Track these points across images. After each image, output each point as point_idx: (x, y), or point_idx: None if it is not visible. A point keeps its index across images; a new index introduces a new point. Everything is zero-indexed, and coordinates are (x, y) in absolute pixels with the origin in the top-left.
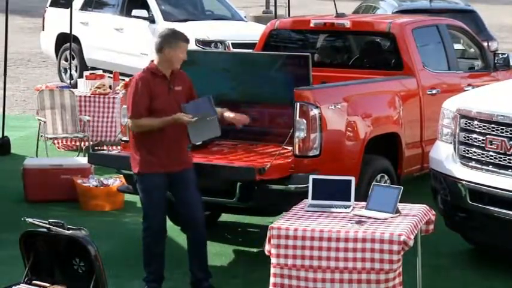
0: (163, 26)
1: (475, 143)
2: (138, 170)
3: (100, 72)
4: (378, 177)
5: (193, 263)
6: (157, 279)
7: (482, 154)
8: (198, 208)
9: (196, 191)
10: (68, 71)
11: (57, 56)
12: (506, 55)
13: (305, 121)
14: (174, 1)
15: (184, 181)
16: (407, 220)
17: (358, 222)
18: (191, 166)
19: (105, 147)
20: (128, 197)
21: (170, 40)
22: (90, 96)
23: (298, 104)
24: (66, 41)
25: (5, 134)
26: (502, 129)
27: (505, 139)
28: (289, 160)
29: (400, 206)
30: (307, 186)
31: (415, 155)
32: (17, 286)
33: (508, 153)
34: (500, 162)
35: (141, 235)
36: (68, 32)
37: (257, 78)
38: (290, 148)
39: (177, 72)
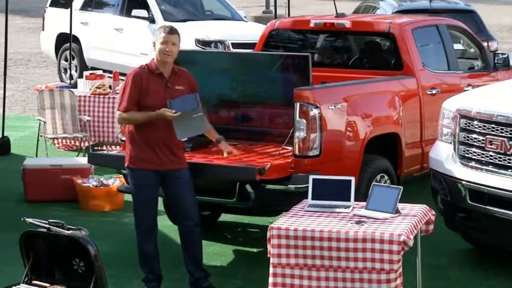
0: None
1: (474, 143)
2: (128, 164)
3: (100, 72)
4: (378, 177)
5: (189, 262)
6: (155, 279)
7: (482, 154)
8: (191, 205)
9: (190, 189)
10: (68, 71)
11: (57, 56)
12: (506, 55)
13: (305, 121)
14: (174, 1)
15: (176, 179)
16: (407, 220)
17: (358, 222)
18: (185, 166)
19: (104, 147)
20: (128, 197)
21: (156, 33)
22: (90, 96)
23: (298, 104)
24: (66, 41)
25: (5, 134)
26: (502, 129)
27: (505, 139)
28: (289, 160)
29: (400, 206)
30: (307, 186)
31: (415, 155)
32: (17, 286)
33: (507, 153)
34: (500, 162)
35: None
36: (68, 32)
37: (257, 78)
38: (290, 148)
39: (179, 72)
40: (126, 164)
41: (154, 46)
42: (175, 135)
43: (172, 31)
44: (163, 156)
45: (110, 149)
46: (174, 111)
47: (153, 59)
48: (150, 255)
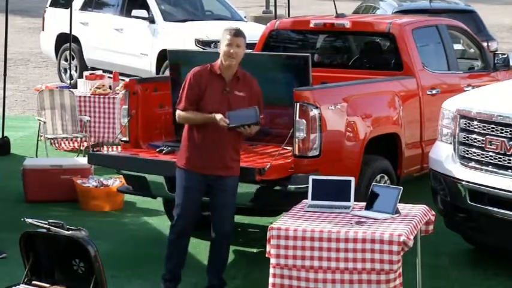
0: (163, 26)
1: (474, 144)
2: (177, 163)
3: (100, 72)
4: (378, 177)
5: (210, 269)
6: (173, 279)
7: (482, 154)
8: (226, 216)
9: (230, 199)
10: (68, 71)
11: (57, 56)
12: (506, 55)
13: (305, 121)
14: (174, 1)
15: (218, 187)
16: (407, 220)
17: (358, 223)
18: (233, 174)
19: (104, 148)
20: (128, 197)
21: (221, 35)
22: (90, 97)
23: (298, 104)
24: (66, 41)
25: (5, 134)
26: (502, 129)
27: (505, 139)
28: (289, 160)
29: (400, 206)
30: (307, 187)
31: (415, 155)
32: (17, 287)
33: (507, 153)
34: (499, 163)
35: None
36: (68, 32)
37: (257, 79)
38: (290, 148)
39: (242, 77)
40: (177, 163)
41: (219, 48)
42: (224, 142)
43: (238, 33)
44: (211, 160)
45: (109, 149)
46: (228, 122)
47: (219, 59)
48: (174, 256)
